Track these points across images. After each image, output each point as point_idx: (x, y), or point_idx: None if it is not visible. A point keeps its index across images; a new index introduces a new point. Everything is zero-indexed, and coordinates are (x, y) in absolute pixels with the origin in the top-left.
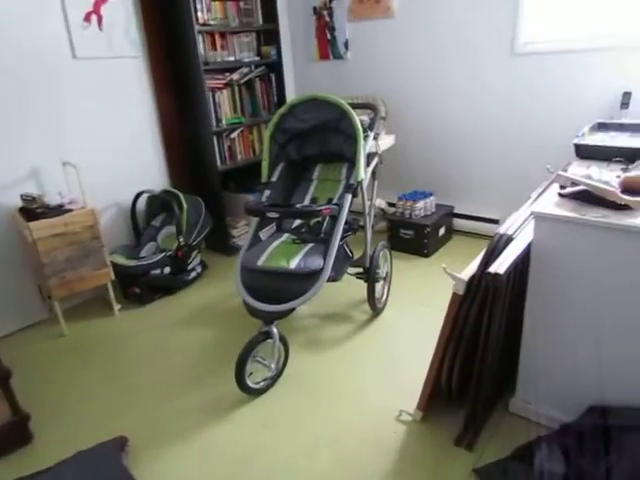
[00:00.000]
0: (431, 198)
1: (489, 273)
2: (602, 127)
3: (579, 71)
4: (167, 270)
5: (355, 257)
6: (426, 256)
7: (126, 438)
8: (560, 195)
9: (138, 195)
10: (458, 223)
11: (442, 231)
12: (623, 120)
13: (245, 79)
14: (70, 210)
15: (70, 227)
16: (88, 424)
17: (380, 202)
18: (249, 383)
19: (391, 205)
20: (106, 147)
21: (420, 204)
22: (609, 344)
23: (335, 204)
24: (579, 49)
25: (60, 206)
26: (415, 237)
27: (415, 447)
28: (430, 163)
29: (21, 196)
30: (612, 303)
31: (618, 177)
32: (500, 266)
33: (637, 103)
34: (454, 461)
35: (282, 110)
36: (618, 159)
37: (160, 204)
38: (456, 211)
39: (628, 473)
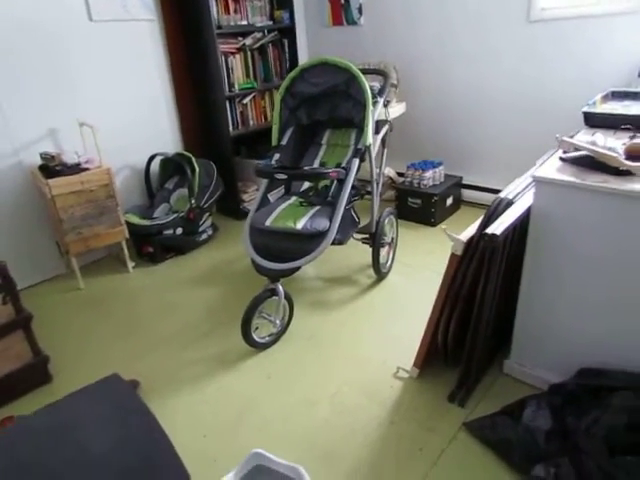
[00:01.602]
0: (440, 168)
1: (486, 234)
2: (616, 95)
3: (597, 38)
4: (179, 231)
5: (362, 224)
6: (433, 225)
7: (137, 381)
8: (561, 159)
9: (152, 157)
10: (466, 194)
11: (450, 201)
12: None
13: (258, 44)
14: (87, 169)
15: (86, 185)
16: (103, 368)
17: (389, 171)
18: (255, 337)
19: (400, 175)
20: (121, 109)
21: (429, 173)
22: (604, 308)
23: (343, 168)
24: (598, 13)
25: (77, 165)
26: (423, 206)
27: (410, 401)
28: (440, 133)
29: (40, 154)
30: (609, 268)
31: (624, 145)
32: (497, 228)
33: None
34: (446, 415)
35: (293, 74)
36: (626, 126)
37: (173, 167)
38: (465, 182)
39: (608, 427)
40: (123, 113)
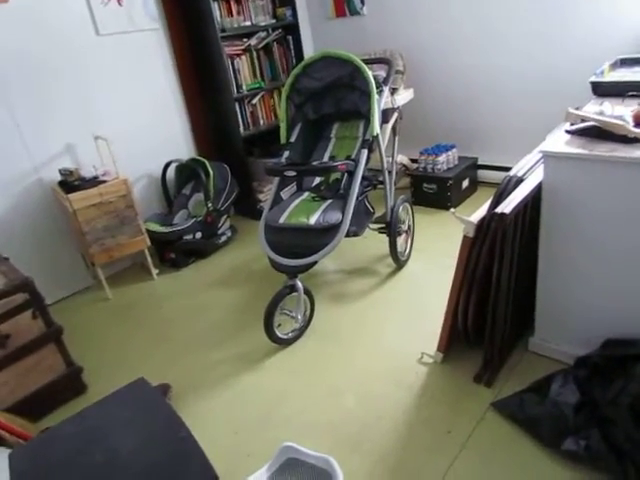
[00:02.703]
0: (453, 150)
1: (495, 213)
2: (624, 63)
3: (602, 7)
4: (199, 235)
5: (378, 214)
6: (450, 209)
7: (169, 385)
8: (567, 132)
9: (167, 165)
10: (483, 174)
11: (466, 183)
12: None
13: (263, 43)
14: (104, 181)
15: (105, 197)
16: (136, 374)
17: (402, 158)
18: (278, 334)
19: (413, 161)
20: (134, 120)
21: (442, 157)
22: (623, 277)
23: (351, 160)
24: None
25: (95, 178)
26: (438, 191)
27: (436, 385)
28: (451, 115)
29: (59, 171)
30: (624, 236)
31: (632, 112)
32: (507, 207)
33: None
34: (473, 396)
35: (296, 70)
36: (634, 93)
37: (189, 173)
38: (480, 162)
39: (634, 395)
40: (136, 123)
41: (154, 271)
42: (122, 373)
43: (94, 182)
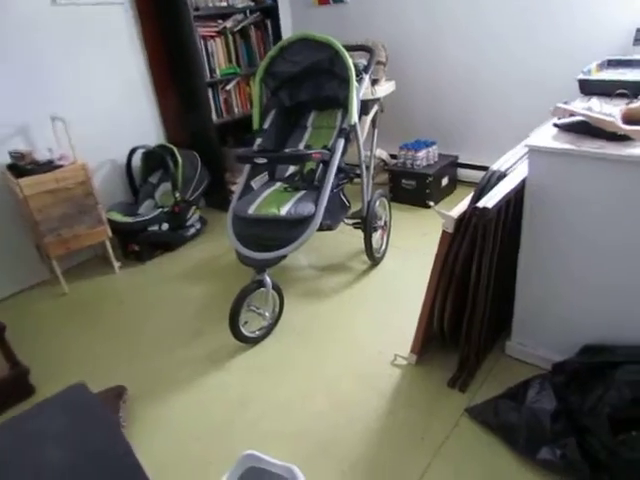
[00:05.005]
0: (433, 147)
1: (477, 208)
2: (611, 64)
3: (591, 7)
4: (165, 226)
5: (354, 209)
6: (428, 207)
7: (124, 387)
8: (555, 125)
9: (133, 151)
10: (463, 173)
11: (445, 181)
12: (635, 56)
13: (239, 27)
14: (61, 166)
15: (62, 183)
16: (90, 377)
17: (381, 153)
18: (244, 332)
19: (393, 157)
20: (96, 101)
21: (422, 153)
22: (605, 282)
23: (327, 149)
24: None
25: (50, 162)
26: (417, 188)
27: (409, 389)
28: (433, 111)
29: (9, 153)
30: (609, 239)
31: (621, 110)
32: (489, 201)
33: None
34: (447, 401)
35: (272, 52)
36: (622, 91)
37: (157, 160)
38: (460, 160)
39: (614, 404)
40: (98, 105)
41: (116, 264)
42: (75, 374)
43: (49, 167)
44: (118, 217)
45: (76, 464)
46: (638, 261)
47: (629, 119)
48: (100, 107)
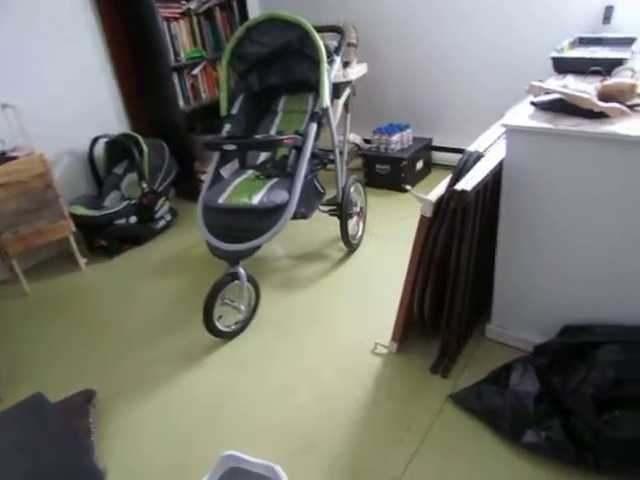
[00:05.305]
0: (407, 131)
1: (456, 191)
2: (583, 42)
3: None
4: (133, 219)
5: (329, 196)
6: (404, 191)
7: (93, 391)
8: (532, 104)
9: (95, 140)
10: (438, 156)
11: (420, 165)
12: (605, 34)
13: (204, 7)
14: (15, 157)
15: (15, 176)
16: (57, 381)
17: (355, 137)
18: (219, 326)
19: (367, 142)
20: (51, 87)
21: (396, 137)
22: (583, 261)
23: (299, 134)
24: None
25: (2, 154)
26: (392, 172)
27: (391, 378)
28: (405, 93)
29: None
30: (587, 218)
31: (596, 88)
32: (468, 183)
33: (619, 18)
34: (430, 388)
35: (238, 33)
36: (596, 69)
37: (121, 150)
38: (435, 144)
39: (597, 385)
40: (53, 91)
41: (82, 261)
42: (40, 379)
43: (1, 158)
44: (82, 211)
45: (35, 474)
46: (614, 243)
47: (604, 96)
48: (55, 94)
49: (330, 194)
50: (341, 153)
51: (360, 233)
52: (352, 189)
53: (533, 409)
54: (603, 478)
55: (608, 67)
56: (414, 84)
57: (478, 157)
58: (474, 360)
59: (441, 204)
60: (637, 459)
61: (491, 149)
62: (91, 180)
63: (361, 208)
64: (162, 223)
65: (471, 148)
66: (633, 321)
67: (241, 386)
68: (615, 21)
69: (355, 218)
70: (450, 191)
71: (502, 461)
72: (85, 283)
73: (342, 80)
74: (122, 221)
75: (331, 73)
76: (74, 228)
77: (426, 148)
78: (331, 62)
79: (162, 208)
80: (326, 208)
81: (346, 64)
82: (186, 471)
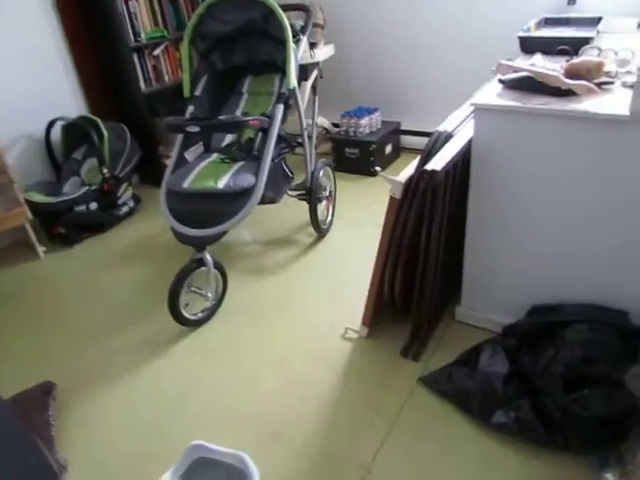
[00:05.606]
0: (376, 114)
1: (426, 171)
2: (549, 22)
3: None
4: (94, 206)
5: (298, 181)
6: (373, 175)
7: (53, 383)
8: (500, 82)
9: (51, 124)
10: (406, 140)
11: (389, 149)
12: (570, 14)
13: None
14: None
15: None
16: (15, 374)
17: (323, 121)
18: (185, 314)
19: (335, 125)
20: (1, 71)
21: (365, 121)
22: (551, 241)
23: (266, 116)
24: None
25: None
26: (361, 156)
27: (361, 362)
28: (374, 76)
29: None
30: (555, 196)
31: (562, 67)
32: (437, 163)
33: None
34: (401, 372)
35: (199, 10)
36: (563, 48)
37: (80, 134)
38: (404, 127)
39: (566, 363)
40: (7, 75)
41: (40, 249)
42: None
43: None
44: (38, 197)
45: None
46: (582, 221)
47: (571, 74)
48: (6, 78)
49: (299, 178)
50: (310, 137)
51: (330, 218)
52: (321, 173)
53: (502, 389)
54: (571, 457)
55: (575, 46)
56: (381, 66)
57: (448, 137)
58: (444, 343)
59: (410, 185)
60: (605, 437)
61: (460, 128)
62: (48, 165)
63: (330, 192)
64: (125, 210)
65: (440, 128)
66: (601, 300)
67: (209, 374)
68: (580, 2)
69: (324, 202)
70: (420, 171)
71: (472, 442)
72: (44, 272)
73: (309, 61)
74: (82, 208)
75: (297, 53)
76: (30, 215)
77: (395, 132)
78: (297, 42)
79: (125, 194)
80: (295, 193)
81: (313, 45)
82: (152, 461)
